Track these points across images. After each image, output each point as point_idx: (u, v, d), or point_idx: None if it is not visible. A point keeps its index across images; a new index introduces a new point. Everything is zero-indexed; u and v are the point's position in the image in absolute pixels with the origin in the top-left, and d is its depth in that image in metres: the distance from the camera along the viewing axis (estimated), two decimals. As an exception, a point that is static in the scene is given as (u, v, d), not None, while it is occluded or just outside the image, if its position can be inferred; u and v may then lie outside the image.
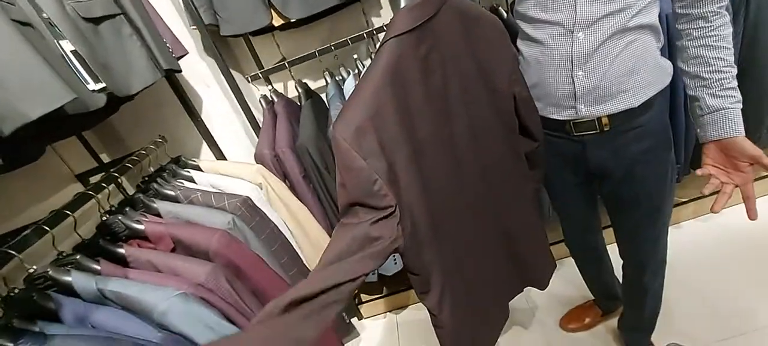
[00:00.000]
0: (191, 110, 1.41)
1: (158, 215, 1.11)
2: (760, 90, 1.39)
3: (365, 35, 1.40)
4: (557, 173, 1.06)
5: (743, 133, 0.80)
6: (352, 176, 0.63)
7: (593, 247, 1.28)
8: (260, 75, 1.47)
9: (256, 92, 1.66)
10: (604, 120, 0.89)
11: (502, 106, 0.84)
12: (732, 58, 0.81)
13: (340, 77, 1.55)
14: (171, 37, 1.26)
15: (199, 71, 1.47)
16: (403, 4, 0.69)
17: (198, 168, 1.35)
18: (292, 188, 1.43)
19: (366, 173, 0.62)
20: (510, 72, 0.83)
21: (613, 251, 1.24)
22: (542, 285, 1.08)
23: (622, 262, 1.18)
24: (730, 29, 0.81)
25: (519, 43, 0.96)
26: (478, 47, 0.77)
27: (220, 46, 1.44)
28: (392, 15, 1.68)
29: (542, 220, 1.16)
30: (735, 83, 0.81)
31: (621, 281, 1.24)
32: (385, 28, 1.41)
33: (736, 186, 0.83)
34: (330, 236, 1.47)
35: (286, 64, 1.43)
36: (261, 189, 1.32)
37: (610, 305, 1.43)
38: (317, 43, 1.46)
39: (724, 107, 0.80)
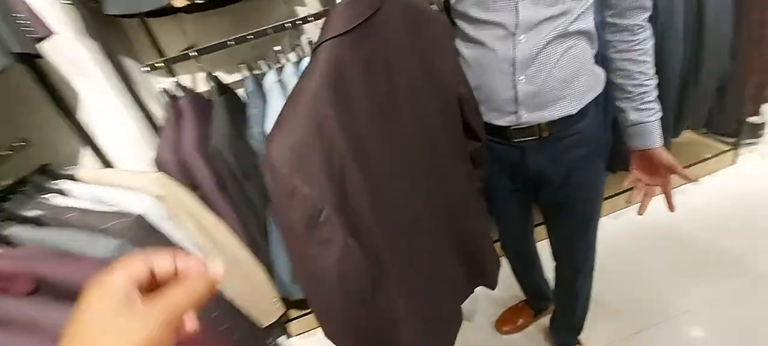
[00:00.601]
0: (65, 107, 1.13)
1: (11, 245, 0.85)
2: (663, 96, 1.50)
3: (289, 25, 1.24)
4: (496, 178, 1.03)
5: (661, 144, 0.89)
6: (293, 206, 0.53)
7: (527, 251, 1.29)
8: (160, 65, 1.23)
9: (155, 85, 1.40)
10: (544, 126, 0.88)
11: (448, 106, 0.80)
12: (652, 70, 0.87)
13: (260, 71, 1.36)
14: (29, 13, 0.97)
15: (75, 58, 1.18)
16: (338, 1, 0.60)
17: (74, 179, 1.08)
18: (204, 199, 1.22)
19: (310, 202, 0.53)
20: (455, 71, 0.77)
21: (541, 249, 1.27)
22: (493, 284, 1.05)
23: (554, 265, 1.19)
24: (652, 41, 0.87)
25: (458, 43, 0.90)
26: (424, 45, 0.70)
27: (107, 27, 1.18)
28: (319, 5, 1.55)
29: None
30: (655, 94, 0.88)
31: (553, 283, 1.25)
32: (310, 19, 1.27)
33: (657, 188, 0.92)
34: (252, 251, 1.30)
35: (194, 53, 1.21)
36: (161, 203, 1.09)
37: (541, 305, 1.46)
38: (232, 31, 1.26)
39: (644, 121, 0.88)
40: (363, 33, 0.59)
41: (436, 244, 0.86)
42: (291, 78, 1.28)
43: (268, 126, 1.22)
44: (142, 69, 1.20)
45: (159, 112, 1.29)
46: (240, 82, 1.37)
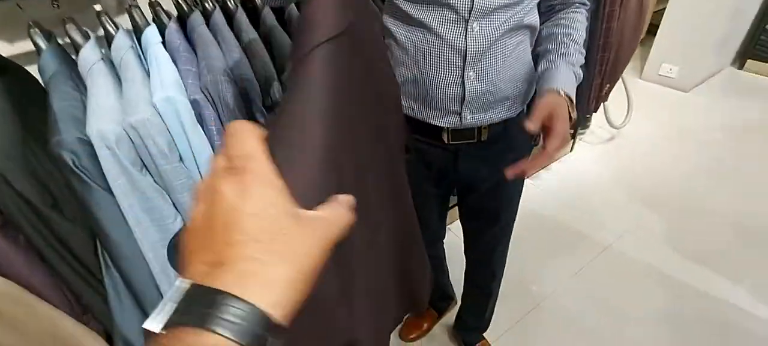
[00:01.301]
0: None
1: None
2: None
3: (117, -27, 0.82)
4: (419, 183, 0.90)
5: (562, 88, 0.68)
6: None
7: (438, 256, 1.25)
8: None
9: None
10: (484, 129, 0.78)
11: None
12: (581, 40, 0.74)
13: (67, 41, 0.90)
14: None
15: None
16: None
17: None
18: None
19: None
20: (393, 74, 0.61)
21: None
22: (423, 308, 0.91)
23: (468, 267, 1.17)
24: (585, 23, 0.77)
25: (389, 23, 0.72)
26: (376, 47, 0.51)
27: None
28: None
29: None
30: (578, 59, 0.73)
31: (465, 285, 1.22)
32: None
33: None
34: (77, 317, 0.86)
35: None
36: None
37: (445, 305, 1.44)
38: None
39: (552, 64, 0.72)
40: (350, 34, 0.37)
41: (386, 278, 0.71)
42: (127, 54, 0.87)
43: (93, 128, 0.80)
44: None
45: None
46: (32, 56, 0.87)
